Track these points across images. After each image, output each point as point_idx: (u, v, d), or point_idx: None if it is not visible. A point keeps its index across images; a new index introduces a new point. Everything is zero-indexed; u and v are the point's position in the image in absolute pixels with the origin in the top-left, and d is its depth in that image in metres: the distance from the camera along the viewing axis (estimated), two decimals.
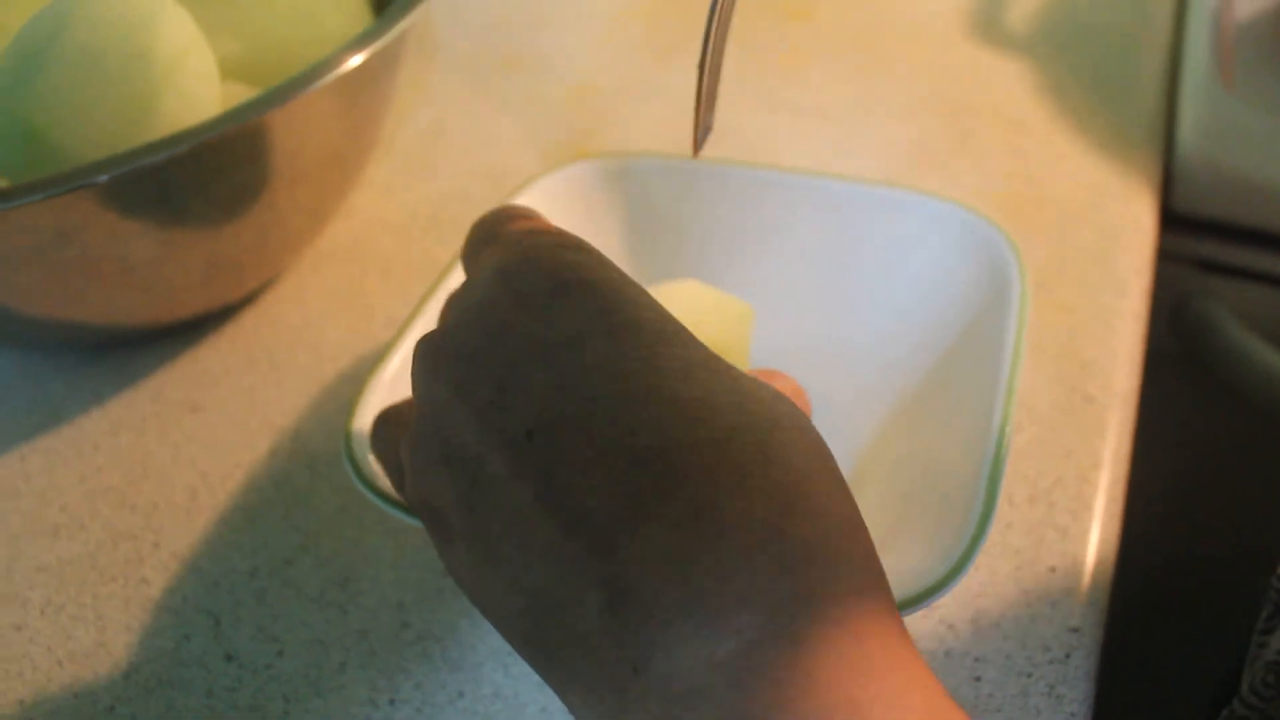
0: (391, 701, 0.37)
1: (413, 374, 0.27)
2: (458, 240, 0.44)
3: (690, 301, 0.37)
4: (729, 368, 0.25)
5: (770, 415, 0.24)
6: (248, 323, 0.50)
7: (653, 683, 0.21)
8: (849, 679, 0.20)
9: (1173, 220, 0.61)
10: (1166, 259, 0.61)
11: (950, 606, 0.38)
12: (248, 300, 0.51)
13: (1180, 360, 0.63)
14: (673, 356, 0.25)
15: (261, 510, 0.43)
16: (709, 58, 0.33)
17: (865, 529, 0.24)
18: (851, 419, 0.43)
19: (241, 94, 0.44)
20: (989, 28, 0.68)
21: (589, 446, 0.23)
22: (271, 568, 0.41)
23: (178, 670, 0.38)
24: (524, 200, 0.44)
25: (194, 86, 0.41)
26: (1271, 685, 0.34)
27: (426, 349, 0.27)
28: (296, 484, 0.43)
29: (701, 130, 0.34)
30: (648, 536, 0.22)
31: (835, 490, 0.24)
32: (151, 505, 0.43)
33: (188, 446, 0.45)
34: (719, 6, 0.32)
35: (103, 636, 0.39)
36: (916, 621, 0.37)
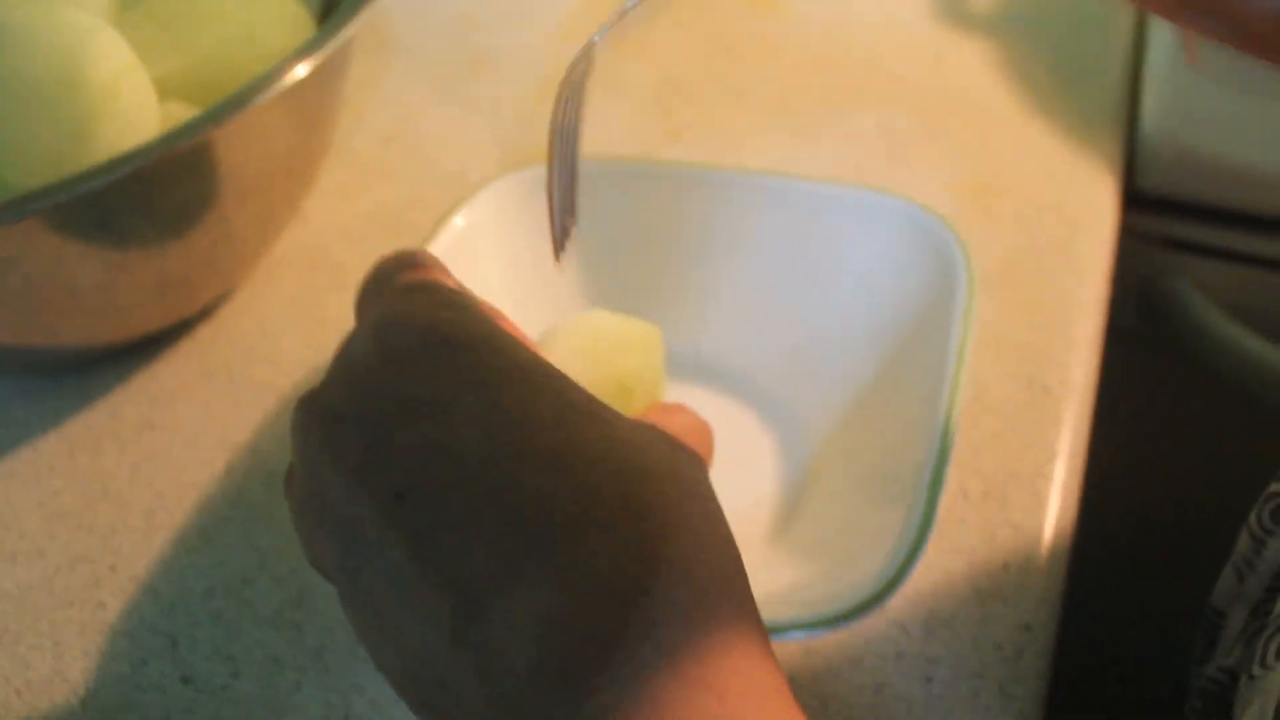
0: (346, 718, 0.37)
1: (291, 433, 0.27)
2: (415, 244, 0.43)
3: (597, 334, 0.37)
4: (605, 412, 0.25)
5: (642, 464, 0.24)
6: (204, 337, 0.50)
7: None
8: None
9: (1140, 200, 0.61)
10: (1134, 238, 0.61)
11: (903, 608, 0.38)
12: (203, 314, 0.51)
13: (1147, 338, 0.62)
14: (545, 405, 0.24)
15: (218, 529, 0.43)
16: (556, 173, 0.32)
17: (741, 575, 0.24)
18: (810, 414, 0.43)
19: (183, 113, 0.44)
20: (953, 12, 0.67)
21: (458, 507, 0.23)
22: (228, 587, 0.41)
23: (135, 695, 0.38)
24: (476, 206, 0.44)
25: (130, 110, 0.41)
26: (1199, 712, 0.35)
27: (302, 409, 0.27)
28: (253, 501, 0.43)
29: (559, 233, 0.33)
30: (517, 599, 0.22)
31: (707, 541, 0.24)
32: (109, 527, 0.43)
33: (145, 466, 0.45)
34: (561, 124, 0.31)
35: (60, 664, 0.39)
36: (868, 625, 0.37)
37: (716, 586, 0.23)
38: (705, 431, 0.32)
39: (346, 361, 0.27)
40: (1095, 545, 0.45)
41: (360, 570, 0.24)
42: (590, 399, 0.26)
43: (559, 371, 0.26)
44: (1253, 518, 0.37)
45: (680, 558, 0.22)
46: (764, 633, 0.24)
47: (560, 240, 0.33)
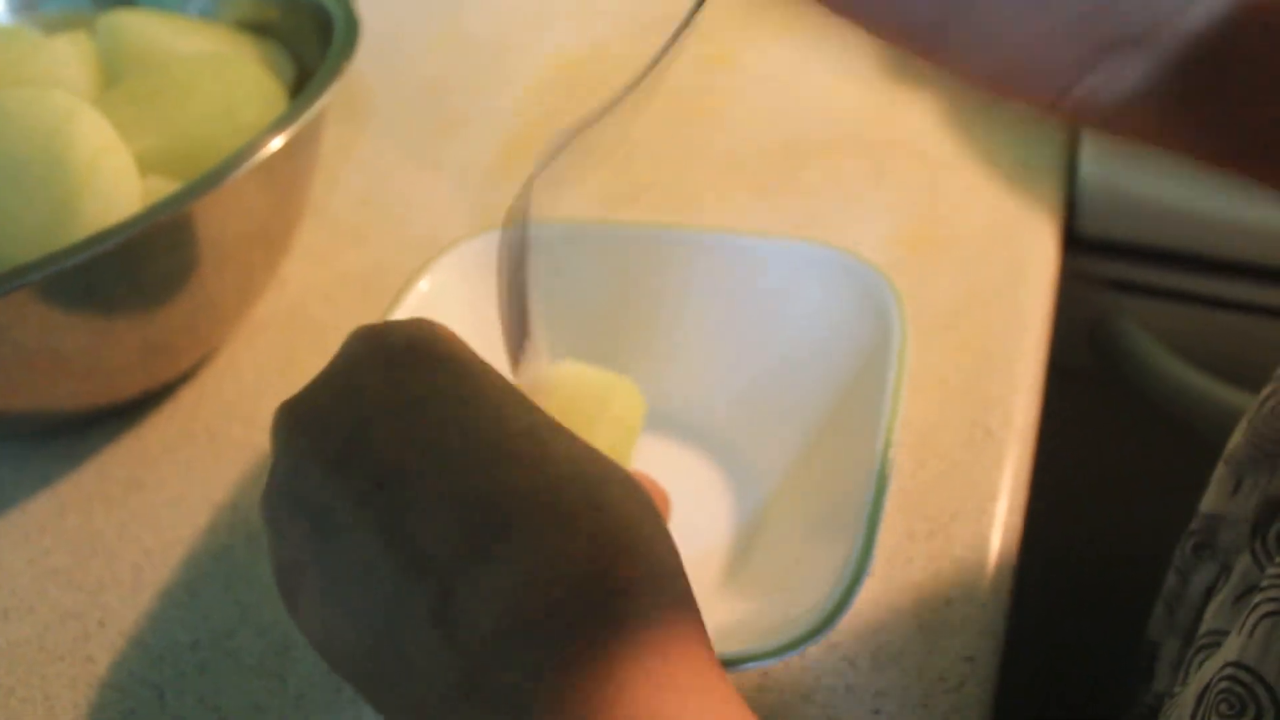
0: None
1: (272, 434, 0.29)
2: (388, 305, 0.46)
3: (576, 384, 0.39)
4: (569, 434, 0.28)
5: (601, 473, 0.27)
6: (186, 399, 0.52)
7: (482, 701, 0.24)
8: (655, 694, 0.24)
9: (1082, 244, 0.63)
10: (1080, 280, 0.63)
11: (851, 643, 0.40)
12: (186, 377, 0.53)
13: (1095, 376, 0.65)
14: (516, 419, 0.27)
15: (203, 584, 0.45)
16: (507, 295, 0.34)
17: (683, 574, 0.27)
18: (762, 458, 0.45)
19: (164, 187, 0.46)
20: (901, 65, 0.70)
21: (431, 493, 0.25)
22: (213, 639, 0.43)
23: None
24: (440, 269, 0.46)
25: (113, 186, 0.43)
26: None
27: (284, 409, 0.29)
28: (236, 557, 0.45)
29: (516, 346, 0.35)
30: (484, 574, 0.24)
31: (658, 539, 0.26)
32: (98, 584, 0.45)
33: (132, 524, 0.47)
34: (509, 251, 0.34)
35: (51, 717, 0.41)
36: (818, 659, 0.39)
37: (665, 577, 0.26)
38: (664, 494, 0.35)
39: (334, 366, 0.29)
40: (1041, 576, 0.48)
41: (328, 555, 0.26)
42: (553, 420, 0.28)
43: (523, 394, 0.29)
44: (1176, 554, 0.39)
45: (635, 549, 0.25)
46: (702, 625, 0.27)
47: (515, 354, 0.35)
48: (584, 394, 0.38)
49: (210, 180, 0.43)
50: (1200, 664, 0.33)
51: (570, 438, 0.28)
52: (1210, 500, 0.38)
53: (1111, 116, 0.30)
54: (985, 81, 0.30)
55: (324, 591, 0.26)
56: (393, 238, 0.61)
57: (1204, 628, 0.34)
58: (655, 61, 0.32)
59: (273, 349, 0.55)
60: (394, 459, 0.26)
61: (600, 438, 0.37)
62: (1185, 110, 0.29)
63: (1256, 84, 0.28)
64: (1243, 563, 0.33)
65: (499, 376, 0.29)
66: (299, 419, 0.28)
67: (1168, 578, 0.40)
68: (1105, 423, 0.65)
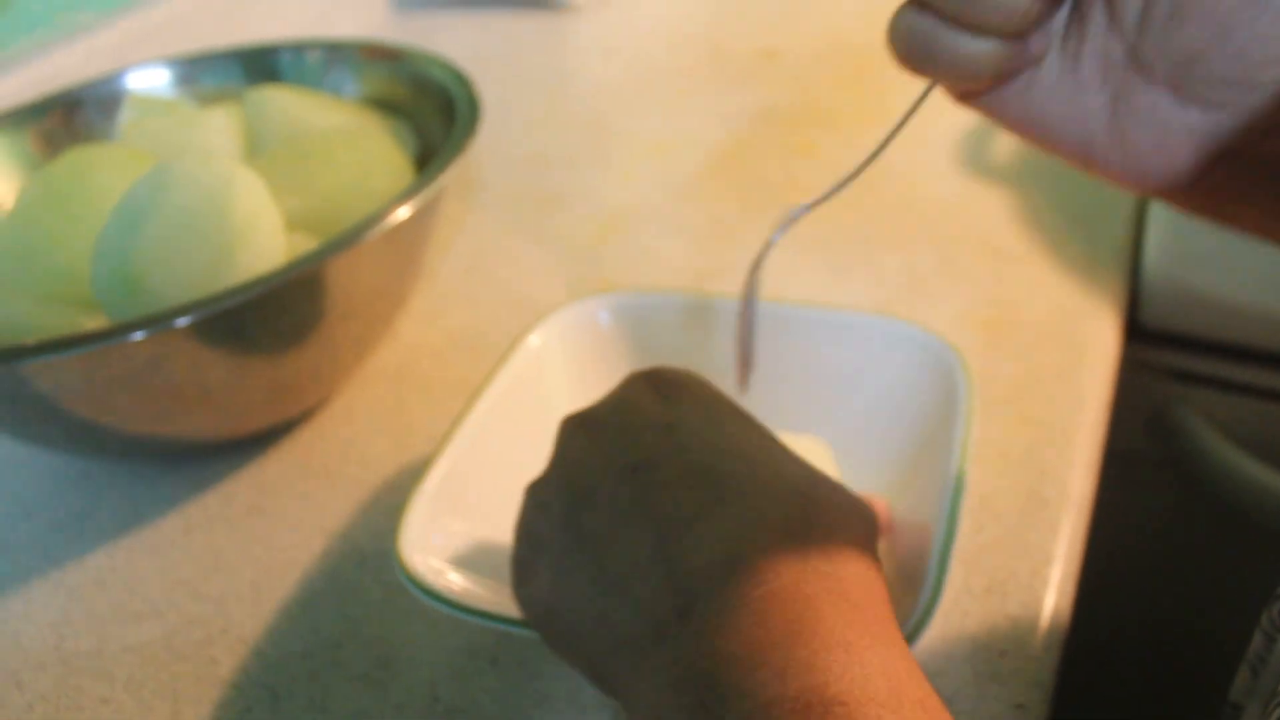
0: None
1: (557, 436, 0.37)
2: (491, 363, 0.50)
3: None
4: (791, 450, 0.35)
5: (815, 474, 0.34)
6: (304, 437, 0.57)
7: (693, 622, 0.29)
8: (847, 628, 0.28)
9: (1145, 335, 0.66)
10: (1143, 370, 0.66)
11: None
12: (305, 417, 0.58)
13: (1152, 460, 0.67)
14: (755, 439, 0.35)
15: (315, 600, 0.49)
16: (742, 328, 0.42)
17: (876, 562, 0.32)
18: None
19: (304, 243, 0.52)
20: (975, 161, 0.75)
21: (675, 472, 0.32)
22: (323, 649, 0.47)
23: None
24: (542, 329, 0.51)
25: (264, 240, 0.49)
26: None
27: (572, 417, 0.37)
28: (345, 577, 0.50)
29: (743, 367, 0.43)
30: (703, 526, 0.30)
31: (856, 525, 0.32)
32: (220, 595, 0.50)
33: (252, 545, 0.52)
34: (747, 294, 0.42)
35: (177, 708, 0.45)
36: None
37: (860, 559, 0.31)
38: (889, 517, 0.41)
39: (615, 391, 0.37)
40: (1096, 635, 0.50)
41: (582, 516, 0.33)
42: (785, 446, 0.35)
43: (763, 427, 0.36)
44: (1264, 618, 0.42)
45: (833, 526, 0.31)
46: (890, 606, 0.31)
47: (744, 375, 0.44)
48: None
49: (345, 240, 0.48)
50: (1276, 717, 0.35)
51: (791, 452, 0.35)
52: None
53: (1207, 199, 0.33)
54: (1109, 168, 0.34)
55: (569, 553, 0.33)
56: (495, 301, 0.66)
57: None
58: (881, 146, 0.38)
59: (384, 397, 0.60)
60: (650, 455, 0.33)
61: None
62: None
63: None
64: None
65: (740, 409, 0.36)
66: (582, 422, 0.36)
67: (1253, 640, 0.42)
68: (1159, 500, 0.67)
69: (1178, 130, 0.32)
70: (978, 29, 0.31)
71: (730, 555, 0.29)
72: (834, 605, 0.28)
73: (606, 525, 0.32)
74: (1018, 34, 0.32)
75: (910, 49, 0.32)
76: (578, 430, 0.36)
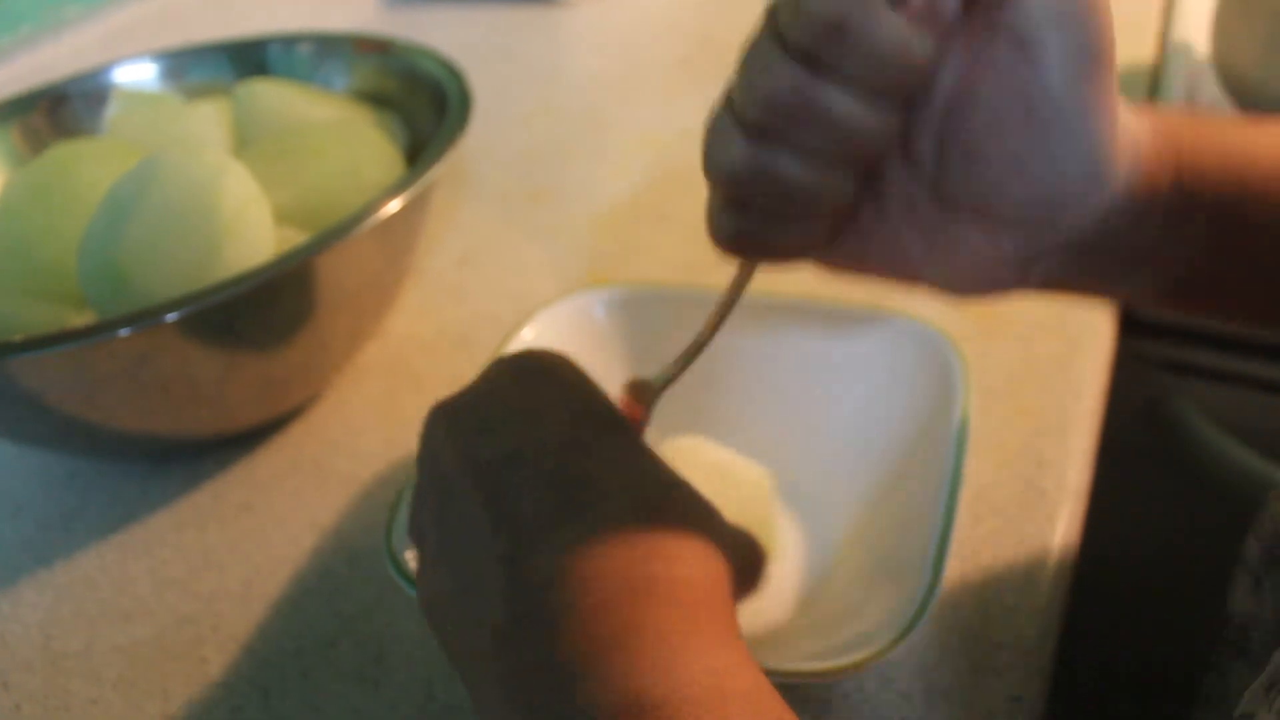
0: None
1: (423, 428, 0.35)
2: (484, 357, 0.50)
3: (709, 468, 0.45)
4: (654, 456, 0.33)
5: (671, 479, 0.32)
6: (295, 433, 0.57)
7: (526, 631, 0.29)
8: (672, 632, 0.28)
9: (1140, 327, 0.66)
10: (1138, 362, 0.66)
11: (908, 679, 0.43)
12: (295, 413, 0.58)
13: (1151, 453, 0.67)
14: (616, 440, 0.33)
15: (306, 598, 0.49)
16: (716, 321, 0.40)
17: (720, 582, 0.31)
18: (835, 507, 0.49)
19: (293, 237, 0.52)
20: None
21: (532, 473, 0.31)
22: (315, 648, 0.46)
23: None
24: (536, 323, 0.51)
25: (253, 234, 0.48)
26: None
27: (436, 408, 0.35)
28: (337, 574, 0.49)
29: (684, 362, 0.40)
30: (560, 535, 0.30)
31: (708, 552, 0.31)
32: (211, 593, 0.49)
33: (243, 542, 0.52)
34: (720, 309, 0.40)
35: (168, 708, 0.45)
36: (874, 695, 0.42)
37: (700, 582, 0.30)
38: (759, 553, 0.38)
39: (479, 378, 0.36)
40: (1093, 626, 0.50)
41: (446, 516, 0.32)
42: (643, 444, 0.34)
43: (624, 418, 0.35)
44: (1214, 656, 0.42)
45: (686, 554, 0.30)
46: (732, 609, 0.31)
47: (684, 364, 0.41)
48: (716, 478, 0.43)
49: (335, 234, 0.48)
50: None
51: (652, 457, 0.33)
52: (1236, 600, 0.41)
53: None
54: (941, 290, 0.37)
55: (438, 549, 0.32)
56: (486, 296, 0.65)
57: (1238, 710, 0.36)
58: (714, 327, 0.40)
59: (375, 392, 0.59)
60: (513, 447, 0.32)
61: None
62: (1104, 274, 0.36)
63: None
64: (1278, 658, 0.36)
65: (605, 397, 0.35)
66: (444, 412, 0.34)
67: (1207, 679, 0.42)
68: (1158, 496, 0.67)
69: (991, 256, 0.35)
70: (802, 217, 0.34)
71: (564, 567, 0.29)
72: (661, 610, 0.28)
73: (461, 525, 0.31)
74: (843, 212, 0.34)
75: (740, 248, 0.36)
76: (440, 420, 0.34)
